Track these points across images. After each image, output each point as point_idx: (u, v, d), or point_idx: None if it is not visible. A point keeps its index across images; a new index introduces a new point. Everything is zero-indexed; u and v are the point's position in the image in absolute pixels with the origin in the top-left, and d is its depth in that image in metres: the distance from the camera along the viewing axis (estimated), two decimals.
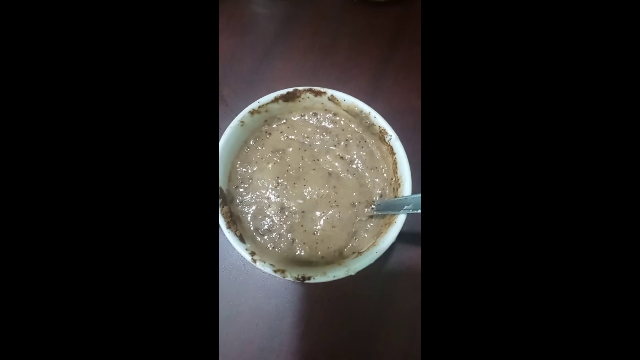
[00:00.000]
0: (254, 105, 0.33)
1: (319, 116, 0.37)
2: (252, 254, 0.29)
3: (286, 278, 0.29)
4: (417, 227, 0.42)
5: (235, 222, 0.31)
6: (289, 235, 0.32)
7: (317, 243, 0.32)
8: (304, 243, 0.32)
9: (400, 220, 0.30)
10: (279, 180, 0.34)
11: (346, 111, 0.35)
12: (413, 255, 0.40)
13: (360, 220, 0.33)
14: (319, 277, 0.29)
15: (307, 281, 0.29)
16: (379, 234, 0.32)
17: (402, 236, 0.41)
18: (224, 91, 0.47)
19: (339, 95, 0.34)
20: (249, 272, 0.38)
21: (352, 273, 0.29)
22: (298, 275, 0.28)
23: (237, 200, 0.33)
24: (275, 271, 0.29)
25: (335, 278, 0.29)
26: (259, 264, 0.29)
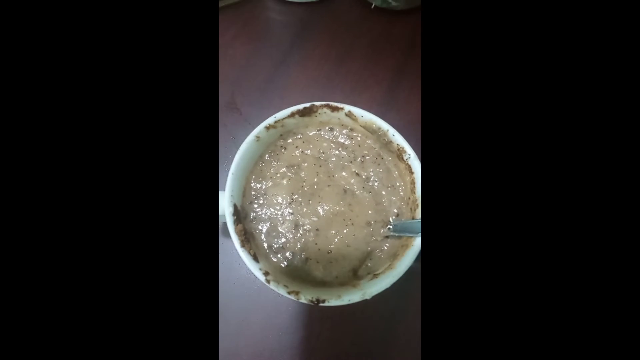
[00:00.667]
0: (270, 120, 0.33)
1: (335, 131, 0.36)
2: (266, 274, 0.29)
3: (300, 300, 0.28)
4: None
5: (249, 239, 0.31)
6: (303, 254, 0.32)
7: (331, 262, 0.32)
8: (318, 262, 0.32)
9: (417, 243, 0.30)
10: (294, 197, 0.33)
11: (363, 127, 0.34)
12: None
13: (376, 240, 0.33)
14: (334, 301, 0.28)
15: (321, 304, 0.28)
16: (395, 255, 0.32)
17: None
18: (237, 98, 0.47)
19: (357, 111, 0.33)
20: (260, 285, 0.38)
21: (368, 297, 0.28)
22: (312, 298, 0.28)
23: (251, 216, 0.33)
24: (289, 293, 0.28)
25: (351, 302, 0.28)
26: (272, 285, 0.28)
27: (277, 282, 0.29)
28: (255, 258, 0.30)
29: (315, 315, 0.37)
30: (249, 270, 0.29)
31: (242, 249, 0.29)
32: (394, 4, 0.49)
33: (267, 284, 0.28)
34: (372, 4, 0.51)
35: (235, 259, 0.38)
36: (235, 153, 0.32)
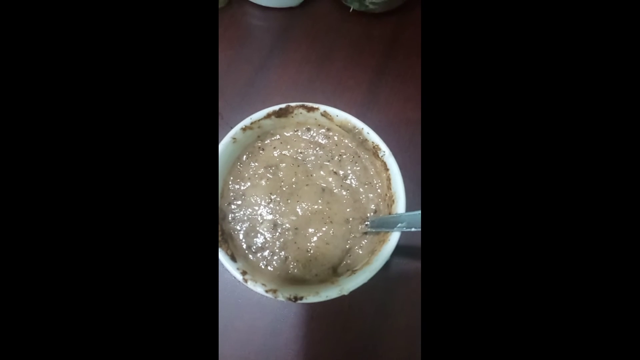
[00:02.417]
0: (246, 121, 0.33)
1: (312, 131, 0.36)
2: (244, 273, 0.29)
3: (278, 298, 0.28)
4: (414, 241, 0.41)
5: (227, 240, 0.31)
6: (282, 252, 0.32)
7: (310, 261, 0.32)
8: (297, 261, 0.32)
9: (394, 238, 0.30)
10: (272, 197, 0.33)
11: (339, 126, 0.35)
12: (410, 269, 0.40)
13: (355, 236, 0.33)
14: (312, 297, 0.28)
15: (299, 301, 0.28)
16: (373, 251, 0.32)
17: (398, 250, 0.41)
18: (219, 104, 0.47)
19: (332, 111, 0.34)
20: (244, 288, 0.37)
21: (345, 293, 0.29)
22: (290, 296, 0.28)
23: (230, 217, 0.33)
24: (267, 291, 0.28)
25: (328, 298, 0.28)
26: (250, 284, 0.28)
27: (255, 281, 0.29)
28: (233, 258, 0.30)
29: (300, 317, 0.37)
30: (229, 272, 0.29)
31: (220, 249, 0.29)
32: (371, 7, 0.50)
33: (245, 283, 0.29)
34: (350, 8, 0.52)
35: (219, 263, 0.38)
36: None
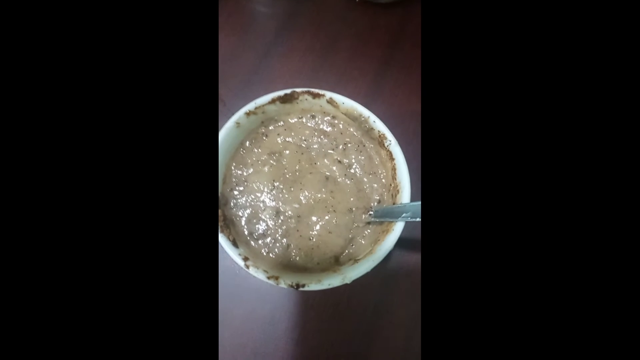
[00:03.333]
0: (250, 106, 0.33)
1: (317, 119, 0.36)
2: (246, 259, 0.29)
3: (280, 285, 0.28)
4: (415, 233, 0.41)
5: (228, 225, 0.30)
6: (284, 240, 0.32)
7: (312, 249, 0.32)
8: (299, 249, 0.32)
9: (398, 228, 0.30)
10: (275, 184, 0.33)
11: (345, 114, 0.34)
12: (410, 261, 0.39)
13: (358, 226, 0.33)
14: (314, 285, 0.28)
15: (301, 289, 0.28)
16: (376, 241, 0.32)
17: (400, 242, 0.40)
18: (221, 90, 0.46)
19: (338, 98, 0.33)
20: (244, 276, 0.37)
21: (348, 281, 0.28)
22: (292, 283, 0.28)
23: (232, 204, 0.33)
24: (268, 278, 0.28)
25: (331, 286, 0.28)
26: (252, 270, 0.28)
27: (257, 267, 0.28)
28: (235, 244, 0.29)
29: (299, 306, 0.37)
30: (231, 259, 0.29)
31: (221, 234, 0.29)
32: None
33: (246, 269, 0.28)
34: None
35: (219, 250, 0.37)
36: None
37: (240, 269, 0.38)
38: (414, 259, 0.40)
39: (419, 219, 0.28)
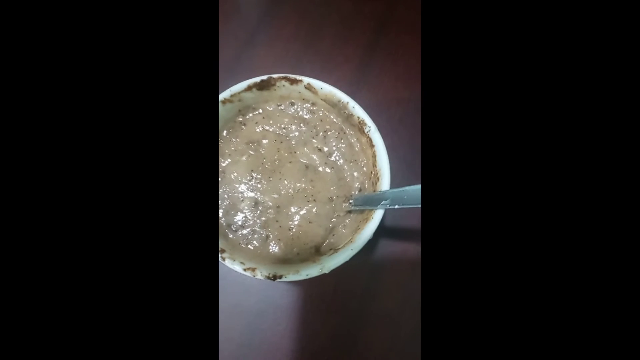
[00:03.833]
0: (226, 94, 0.32)
1: (296, 106, 0.35)
2: (222, 251, 0.28)
3: (256, 277, 0.27)
4: (402, 222, 0.41)
5: None
6: (263, 231, 0.31)
7: (292, 239, 0.31)
8: (279, 239, 0.31)
9: (377, 215, 0.29)
10: (254, 174, 0.32)
11: (324, 100, 0.33)
12: (397, 250, 0.39)
13: (339, 215, 0.32)
14: (291, 276, 0.27)
15: (278, 280, 0.27)
16: (356, 229, 0.31)
17: (385, 231, 0.40)
18: None
19: (316, 83, 0.32)
20: (227, 269, 0.37)
21: (326, 271, 0.28)
22: (269, 274, 0.27)
23: None
24: (245, 269, 0.27)
25: (309, 276, 0.27)
26: (227, 262, 0.27)
27: (233, 259, 0.28)
28: None
29: (285, 297, 0.37)
30: None
31: None
32: None
33: (222, 262, 0.28)
34: None
35: None
36: None
37: (222, 262, 0.38)
38: (400, 248, 0.39)
39: (397, 207, 0.27)
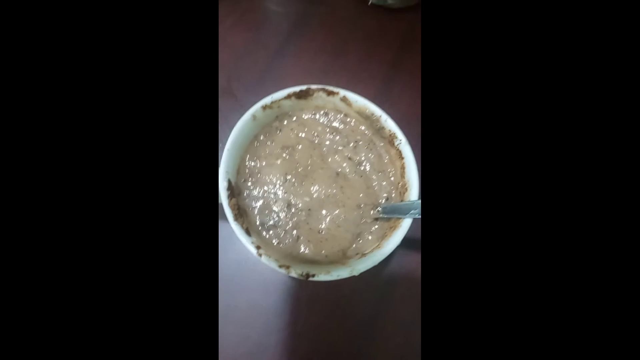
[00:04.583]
0: (267, 100, 0.34)
1: (329, 116, 0.37)
2: (258, 247, 0.29)
3: (290, 274, 0.29)
4: (419, 233, 0.42)
5: (242, 215, 0.31)
6: (294, 232, 0.32)
7: (321, 242, 0.32)
8: (309, 241, 0.32)
9: (405, 224, 0.30)
10: (287, 177, 0.34)
11: (357, 113, 0.35)
12: (413, 260, 0.40)
13: (366, 222, 0.34)
14: (323, 276, 0.29)
15: (310, 279, 0.29)
16: (383, 236, 0.33)
17: (403, 241, 0.41)
18: (233, 85, 0.47)
19: (351, 96, 0.34)
20: (249, 268, 0.38)
21: (356, 274, 0.29)
22: (302, 272, 0.28)
23: (245, 194, 0.33)
24: (280, 266, 0.29)
25: (339, 277, 0.29)
26: (264, 259, 0.29)
27: (269, 256, 0.29)
28: (248, 232, 0.30)
29: (303, 299, 0.38)
30: (237, 251, 0.29)
31: (235, 222, 0.29)
32: (390, 1, 0.51)
33: (259, 257, 0.29)
34: (369, 1, 0.52)
35: (224, 241, 0.38)
36: (229, 137, 0.32)
37: (245, 261, 0.39)
38: (416, 258, 0.41)
39: None
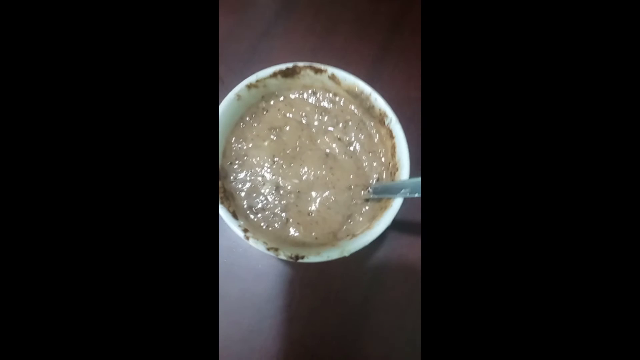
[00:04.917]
0: (252, 79, 0.32)
1: (318, 95, 0.36)
2: (245, 230, 0.28)
3: (279, 257, 0.28)
4: (410, 215, 0.42)
5: (228, 198, 0.30)
6: (283, 214, 0.32)
7: (311, 224, 0.32)
8: (298, 223, 0.32)
9: (396, 204, 0.30)
10: (275, 159, 0.33)
11: (346, 91, 0.34)
12: (404, 243, 0.40)
13: (356, 203, 0.33)
14: (313, 257, 0.28)
15: (300, 260, 0.28)
16: (373, 217, 0.32)
17: (394, 224, 0.41)
18: (221, 69, 0.46)
19: (340, 74, 0.33)
20: (239, 254, 0.37)
21: (346, 254, 0.28)
22: (291, 254, 0.28)
23: (231, 177, 0.32)
24: (268, 249, 0.28)
25: (329, 258, 0.28)
26: (252, 241, 0.28)
27: (257, 239, 0.28)
28: (235, 215, 0.29)
29: (294, 284, 0.37)
30: (227, 236, 0.28)
31: (221, 205, 0.28)
32: None
33: (247, 240, 0.28)
34: None
35: None
36: None
37: (235, 247, 0.38)
38: (407, 240, 0.40)
39: (417, 195, 0.28)
